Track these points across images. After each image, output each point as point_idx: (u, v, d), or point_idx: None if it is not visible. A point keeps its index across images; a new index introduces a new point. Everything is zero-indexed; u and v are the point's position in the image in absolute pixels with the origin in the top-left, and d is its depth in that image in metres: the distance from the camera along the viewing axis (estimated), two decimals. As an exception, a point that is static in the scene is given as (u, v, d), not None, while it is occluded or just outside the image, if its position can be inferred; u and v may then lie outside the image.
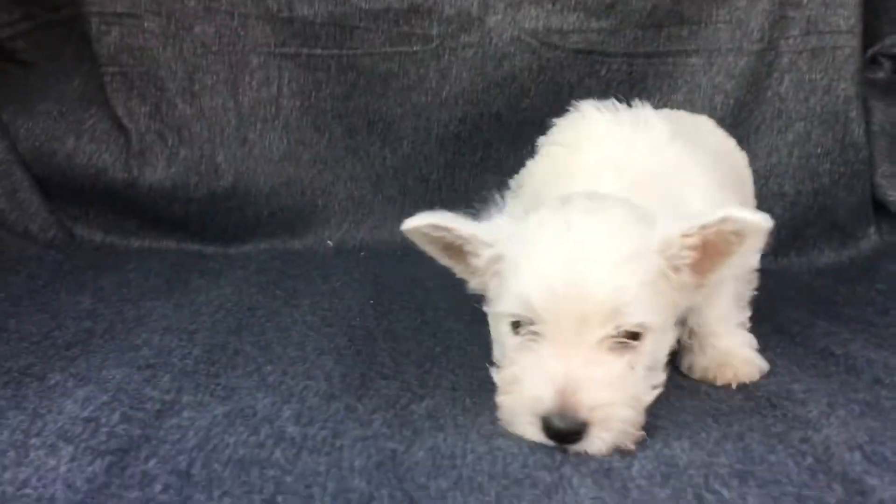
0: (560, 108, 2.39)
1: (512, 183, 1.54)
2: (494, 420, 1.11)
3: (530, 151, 2.41)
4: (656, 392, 1.11)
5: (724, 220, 1.07)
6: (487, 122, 2.41)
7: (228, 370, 1.31)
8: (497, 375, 1.13)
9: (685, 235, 1.09)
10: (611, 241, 1.07)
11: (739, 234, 1.09)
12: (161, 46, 2.26)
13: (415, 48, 2.34)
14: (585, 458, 1.02)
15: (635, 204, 1.15)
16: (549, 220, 1.11)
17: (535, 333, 1.06)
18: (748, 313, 1.47)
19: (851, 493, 0.94)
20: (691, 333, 1.41)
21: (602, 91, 2.38)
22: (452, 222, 1.19)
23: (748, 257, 1.30)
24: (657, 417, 1.17)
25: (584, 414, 1.01)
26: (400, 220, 2.44)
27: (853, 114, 2.34)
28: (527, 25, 2.33)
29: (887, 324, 1.77)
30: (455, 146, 2.42)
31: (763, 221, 1.07)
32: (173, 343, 1.42)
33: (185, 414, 1.11)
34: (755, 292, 1.50)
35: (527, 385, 1.05)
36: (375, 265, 2.21)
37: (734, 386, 1.34)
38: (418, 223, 1.21)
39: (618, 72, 2.40)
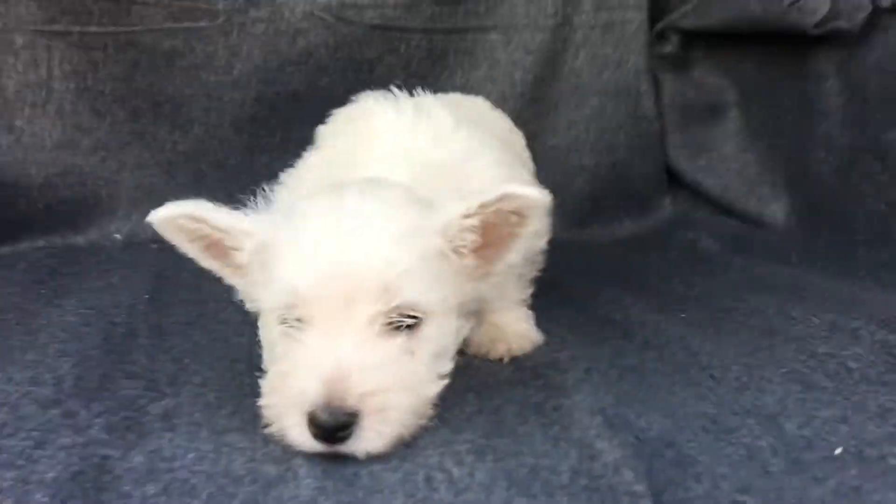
0: (361, 86, 2.31)
1: (283, 176, 1.40)
2: (233, 413, 1.03)
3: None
4: (442, 382, 1.04)
5: (502, 198, 1.02)
6: (285, 101, 2.31)
7: (-57, 380, 1.16)
8: (264, 379, 1.01)
9: (465, 216, 1.03)
10: (382, 218, 1.01)
11: (520, 215, 1.04)
12: None
13: (200, 24, 2.21)
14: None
15: (414, 189, 1.10)
16: (320, 203, 1.04)
17: (300, 321, 0.97)
18: (529, 290, 1.45)
19: (583, 458, 0.92)
20: None
21: (403, 67, 2.35)
22: (208, 212, 1.06)
23: (534, 241, 1.29)
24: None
25: (353, 402, 0.89)
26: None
27: (644, 87, 2.42)
28: (319, 0, 2.25)
29: (669, 289, 1.83)
30: (252, 128, 2.31)
31: (541, 196, 1.02)
32: None
33: None
34: (540, 273, 1.49)
35: (291, 380, 0.94)
36: (166, 258, 2.05)
37: (506, 360, 1.31)
38: (169, 213, 1.07)
39: (417, 48, 2.36)
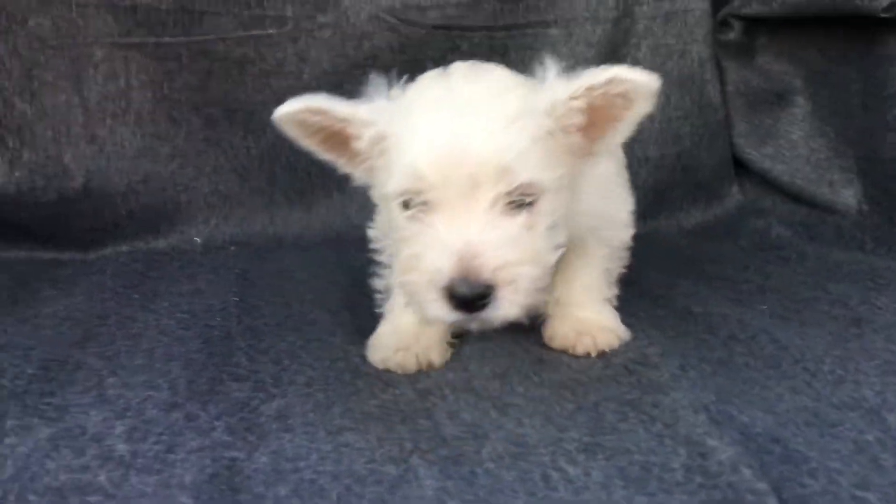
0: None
1: None
2: (345, 413, 1.07)
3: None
4: (559, 252, 1.09)
5: (610, 81, 1.05)
6: (353, 103, 2.34)
7: (65, 387, 1.22)
8: (396, 263, 1.08)
9: (572, 97, 1.06)
10: (494, 101, 1.05)
11: (627, 98, 1.08)
12: (-8, 43, 2.10)
13: (269, 31, 2.26)
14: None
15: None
16: (430, 88, 1.11)
17: (425, 205, 1.03)
18: (615, 290, 1.47)
19: (694, 455, 0.94)
20: (557, 302, 1.41)
21: (466, 65, 2.36)
22: (329, 104, 1.13)
23: (620, 232, 1.37)
24: (514, 394, 1.16)
25: (487, 276, 0.97)
26: (269, 212, 2.39)
27: (708, 75, 2.40)
28: (383, 3, 2.28)
29: (745, 279, 1.83)
30: (321, 130, 2.34)
31: (649, 80, 1.06)
32: (5, 363, 1.31)
33: (7, 441, 1.03)
34: (624, 269, 1.50)
35: (425, 260, 1.00)
36: (244, 260, 2.14)
37: (594, 354, 1.34)
38: (292, 108, 1.15)
39: (479, 45, 2.37)
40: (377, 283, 1.44)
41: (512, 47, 2.40)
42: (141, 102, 2.23)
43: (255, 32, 2.25)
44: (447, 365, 1.32)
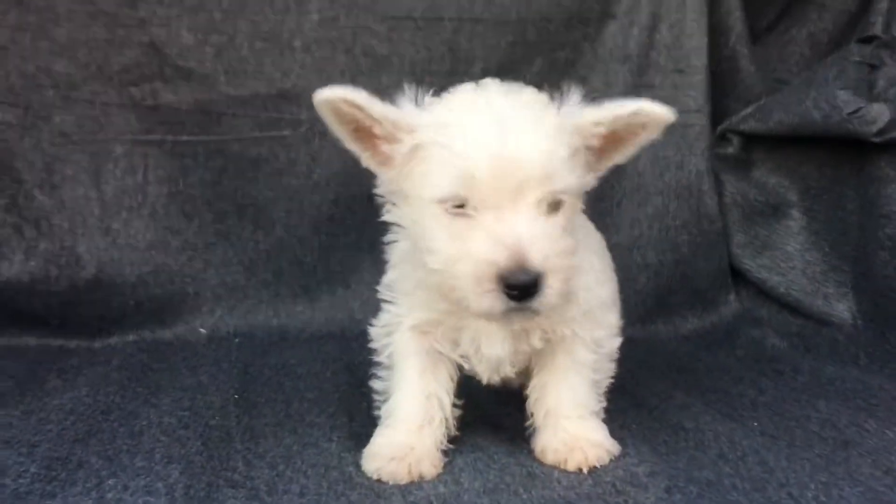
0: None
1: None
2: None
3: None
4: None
5: (636, 113, 1.20)
6: (360, 203, 2.42)
7: (67, 487, 1.26)
8: (435, 262, 1.15)
9: (598, 123, 1.21)
10: (534, 116, 1.16)
11: (643, 127, 1.23)
12: (18, 137, 2.20)
13: (284, 132, 2.36)
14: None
15: None
16: (471, 101, 1.18)
17: (473, 207, 1.12)
18: (603, 403, 1.50)
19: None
20: (547, 414, 1.44)
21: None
22: (367, 101, 1.19)
23: (609, 341, 1.45)
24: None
25: (539, 265, 1.09)
26: (274, 305, 2.44)
27: (706, 187, 2.48)
28: (395, 107, 2.38)
29: (739, 392, 1.86)
30: (329, 228, 2.42)
31: (669, 114, 1.21)
32: (10, 459, 1.35)
33: (5, 545, 1.05)
34: (612, 380, 1.54)
35: (477, 254, 1.10)
36: (247, 353, 2.18)
37: (585, 470, 1.36)
38: (331, 95, 1.19)
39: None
40: (376, 385, 1.48)
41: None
42: (156, 196, 2.32)
43: (271, 133, 2.35)
44: (440, 477, 1.34)
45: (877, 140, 2.06)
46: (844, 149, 2.28)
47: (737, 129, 2.50)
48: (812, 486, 1.30)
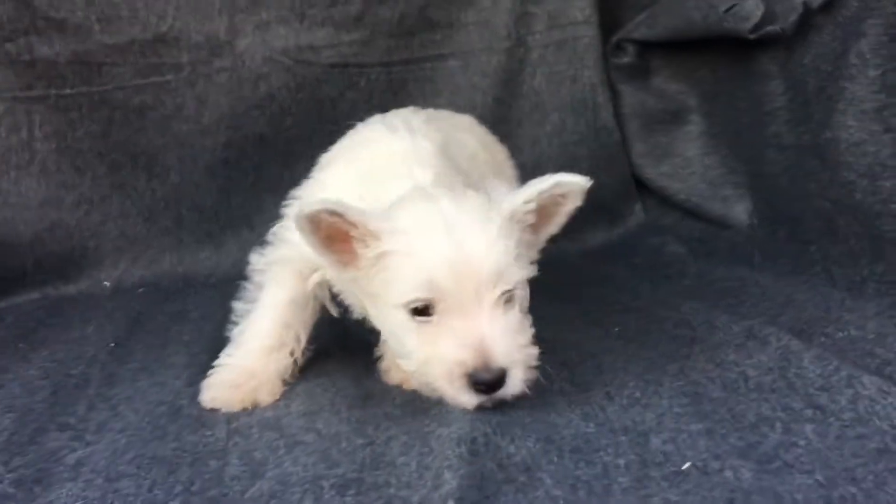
0: (324, 122, 2.44)
1: (297, 193, 1.58)
2: (135, 458, 1.13)
3: (304, 167, 2.44)
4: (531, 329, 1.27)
5: (555, 185, 1.29)
6: (253, 144, 2.41)
7: None
8: (410, 364, 1.25)
9: (527, 202, 1.27)
10: (482, 220, 1.23)
11: (565, 196, 1.32)
12: None
13: (167, 77, 2.33)
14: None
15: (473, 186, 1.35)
16: (423, 211, 1.25)
17: (429, 309, 1.20)
18: None
19: (423, 485, 0.98)
20: None
21: (365, 101, 2.44)
22: (346, 208, 1.22)
23: (569, 214, 1.43)
24: (311, 431, 1.20)
25: (501, 361, 1.18)
26: (178, 253, 2.44)
27: (601, 99, 2.46)
28: (277, 45, 2.35)
29: (616, 300, 1.89)
30: (225, 171, 2.41)
31: (584, 182, 1.31)
32: None
33: None
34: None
35: (445, 356, 1.18)
36: (147, 303, 2.19)
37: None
38: (315, 209, 1.21)
39: (377, 81, 2.44)
40: (237, 305, 1.53)
41: (410, 80, 2.47)
42: (45, 153, 2.30)
43: (153, 80, 2.32)
44: (275, 402, 1.36)
45: (752, 36, 2.02)
46: (733, 49, 2.23)
47: (630, 37, 2.46)
48: (632, 384, 1.32)
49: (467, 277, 1.19)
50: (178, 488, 1.05)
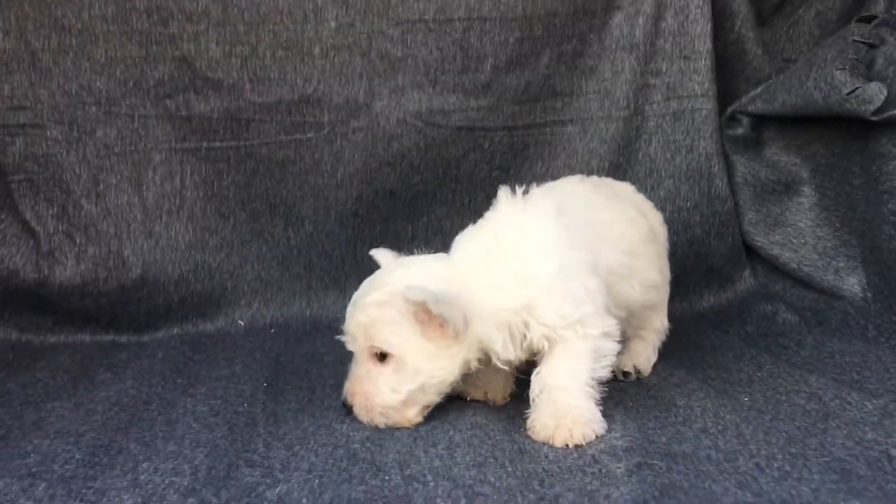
0: (449, 180, 2.59)
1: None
2: (333, 499, 1.25)
3: (426, 221, 2.60)
4: (400, 397, 1.57)
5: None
6: (382, 198, 2.57)
7: (107, 471, 1.42)
8: None
9: (375, 301, 1.58)
10: (371, 291, 1.58)
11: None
12: (64, 152, 2.40)
13: (308, 135, 2.51)
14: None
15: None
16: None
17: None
18: (598, 392, 1.59)
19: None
20: (542, 390, 1.56)
21: (487, 161, 2.59)
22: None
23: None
24: (485, 483, 1.32)
25: (347, 398, 1.61)
26: (307, 297, 2.61)
27: (715, 169, 2.55)
28: (411, 108, 2.51)
29: (739, 368, 1.95)
30: (354, 223, 2.57)
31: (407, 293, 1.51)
32: (60, 447, 1.53)
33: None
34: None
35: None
36: (281, 343, 2.35)
37: (571, 446, 1.48)
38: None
39: (500, 143, 2.58)
40: None
41: (531, 144, 2.61)
42: (193, 200, 2.51)
43: (296, 136, 2.51)
44: (435, 452, 1.48)
45: (874, 118, 2.10)
46: (850, 126, 2.31)
47: (745, 110, 2.55)
48: (780, 456, 1.39)
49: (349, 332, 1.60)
50: (380, 530, 1.17)
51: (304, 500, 1.27)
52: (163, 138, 2.47)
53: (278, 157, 2.52)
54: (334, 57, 2.48)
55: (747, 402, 1.70)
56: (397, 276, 1.61)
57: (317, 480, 1.35)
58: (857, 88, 2.12)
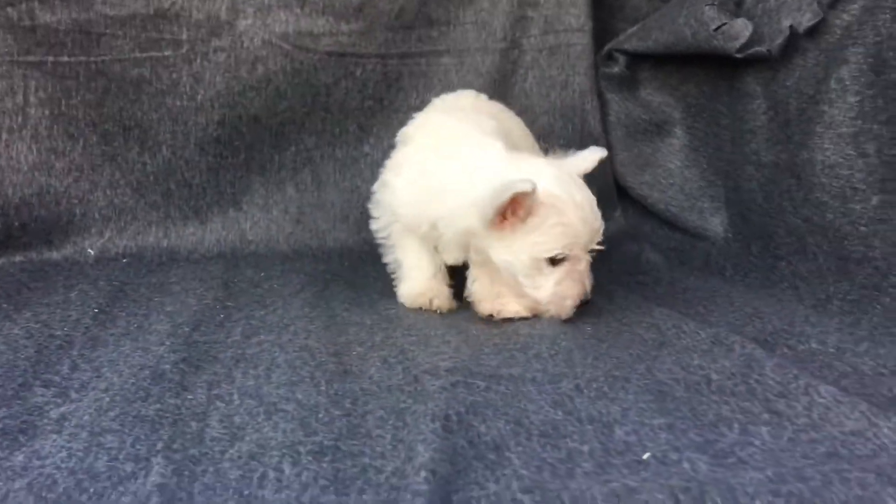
0: (317, 109, 2.48)
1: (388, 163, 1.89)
2: (118, 416, 1.16)
3: (294, 151, 2.49)
4: None
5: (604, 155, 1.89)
6: (247, 124, 2.45)
7: None
8: (539, 293, 1.70)
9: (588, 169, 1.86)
10: (586, 190, 1.74)
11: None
12: None
13: (165, 52, 2.36)
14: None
15: None
16: (562, 189, 1.69)
17: (559, 261, 1.69)
18: None
19: (400, 458, 1.03)
20: None
21: (359, 90, 2.49)
22: (533, 186, 1.56)
23: None
24: (290, 401, 1.24)
25: (589, 292, 1.74)
26: (164, 227, 2.47)
27: (588, 106, 2.51)
28: (277, 29, 2.39)
29: (592, 302, 1.91)
30: (216, 149, 2.45)
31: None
32: None
33: None
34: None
35: (573, 288, 1.70)
36: (130, 273, 2.21)
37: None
38: (523, 189, 1.55)
39: (373, 72, 2.48)
40: (387, 258, 1.90)
41: (405, 74, 2.51)
42: (38, 118, 2.32)
43: (151, 54, 2.35)
44: (254, 373, 1.40)
45: (739, 55, 2.09)
46: (721, 66, 2.30)
47: (621, 48, 2.52)
48: (602, 379, 1.36)
49: (590, 239, 1.65)
50: (160, 445, 1.09)
51: (86, 418, 1.18)
52: (3, 50, 2.27)
53: (132, 76, 2.36)
54: (193, -32, 2.32)
55: (589, 331, 1.68)
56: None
57: (107, 399, 1.26)
58: (723, 24, 2.10)
